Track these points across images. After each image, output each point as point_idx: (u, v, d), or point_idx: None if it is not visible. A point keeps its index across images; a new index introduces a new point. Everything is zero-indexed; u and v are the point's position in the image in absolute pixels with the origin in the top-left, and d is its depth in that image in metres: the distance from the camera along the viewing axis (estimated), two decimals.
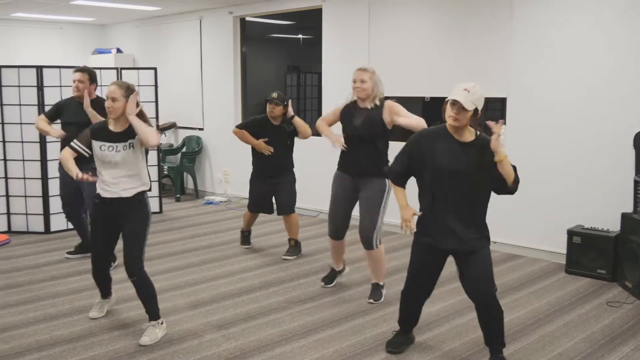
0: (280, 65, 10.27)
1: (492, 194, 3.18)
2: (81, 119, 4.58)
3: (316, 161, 6.43)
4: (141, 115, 3.52)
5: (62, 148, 4.39)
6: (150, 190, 3.68)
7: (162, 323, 3.69)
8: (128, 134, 3.53)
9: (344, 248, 4.55)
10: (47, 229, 6.24)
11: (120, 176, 3.53)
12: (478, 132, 3.15)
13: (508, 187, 3.08)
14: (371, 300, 4.25)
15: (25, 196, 6.23)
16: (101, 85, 5.94)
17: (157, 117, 7.12)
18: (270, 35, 10.16)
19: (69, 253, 5.39)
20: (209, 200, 8.04)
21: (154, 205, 6.89)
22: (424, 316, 3.66)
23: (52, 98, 5.89)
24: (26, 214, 6.25)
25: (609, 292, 4.50)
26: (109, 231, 3.68)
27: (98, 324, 3.86)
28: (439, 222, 3.15)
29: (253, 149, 5.35)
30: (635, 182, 4.46)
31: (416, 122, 4.00)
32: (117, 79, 6.65)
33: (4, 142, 6.21)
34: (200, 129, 8.43)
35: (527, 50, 5.29)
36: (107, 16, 8.89)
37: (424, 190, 3.21)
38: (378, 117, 4.10)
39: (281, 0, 7.22)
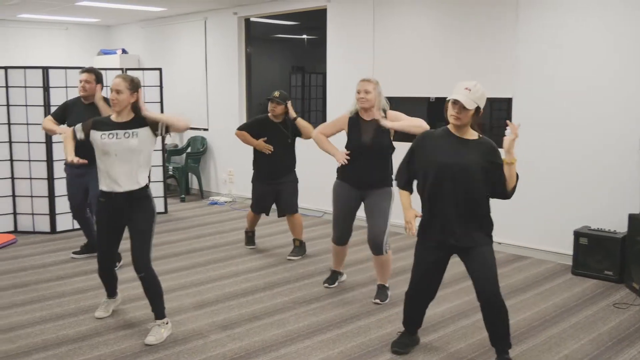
0: (285, 65, 10.27)
1: None
2: (87, 120, 4.58)
3: (321, 161, 6.41)
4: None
5: None
6: (148, 187, 3.65)
7: (167, 323, 3.69)
8: (130, 124, 3.55)
9: (346, 252, 4.59)
10: (53, 229, 6.26)
11: (121, 170, 3.52)
12: (480, 136, 3.16)
13: (506, 192, 3.08)
14: (377, 301, 4.25)
15: (32, 196, 6.25)
16: (107, 86, 5.94)
17: None
18: (275, 35, 10.16)
19: (74, 253, 5.41)
20: (214, 200, 8.05)
21: (159, 205, 6.91)
22: (429, 317, 3.65)
23: (58, 99, 5.92)
24: (32, 214, 6.27)
25: (616, 293, 4.48)
26: (114, 230, 3.69)
27: (104, 324, 3.87)
28: (440, 219, 3.15)
29: (254, 149, 5.36)
30: None
31: (417, 121, 4.00)
32: None
33: (10, 142, 6.23)
34: (205, 130, 8.45)
35: (532, 51, 5.27)
36: (113, 17, 8.91)
37: (425, 190, 3.21)
38: (386, 129, 4.09)
39: (286, 1, 7.22)
